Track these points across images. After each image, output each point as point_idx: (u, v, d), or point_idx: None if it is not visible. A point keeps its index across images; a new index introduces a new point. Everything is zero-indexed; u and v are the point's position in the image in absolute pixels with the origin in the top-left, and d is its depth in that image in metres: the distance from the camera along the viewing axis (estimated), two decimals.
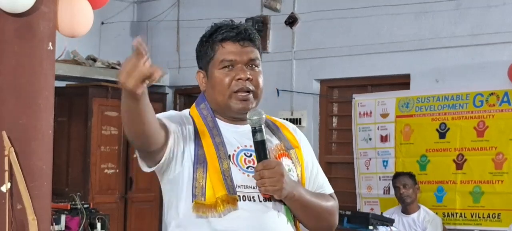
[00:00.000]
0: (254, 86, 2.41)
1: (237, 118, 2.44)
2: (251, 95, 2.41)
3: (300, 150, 2.50)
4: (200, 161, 2.33)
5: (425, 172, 6.82)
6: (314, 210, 2.43)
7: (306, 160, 2.50)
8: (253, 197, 2.34)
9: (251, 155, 2.38)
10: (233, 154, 2.38)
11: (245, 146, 2.41)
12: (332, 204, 2.50)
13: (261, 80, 2.43)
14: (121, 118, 2.18)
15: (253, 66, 2.43)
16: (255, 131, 2.34)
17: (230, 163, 2.35)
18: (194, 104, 2.51)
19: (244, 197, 2.32)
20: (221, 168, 2.32)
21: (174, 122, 2.36)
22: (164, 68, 8.90)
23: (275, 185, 2.30)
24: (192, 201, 2.31)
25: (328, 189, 2.55)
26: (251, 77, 2.40)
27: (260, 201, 2.34)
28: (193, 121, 2.42)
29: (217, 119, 2.43)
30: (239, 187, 2.33)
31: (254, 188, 2.33)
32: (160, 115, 2.38)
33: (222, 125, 2.43)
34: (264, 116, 2.36)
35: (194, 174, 2.32)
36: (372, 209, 7.01)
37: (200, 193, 2.30)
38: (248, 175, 2.35)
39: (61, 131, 7.87)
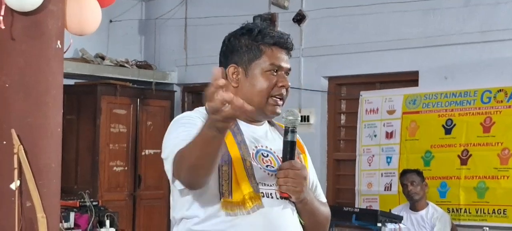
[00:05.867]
0: (286, 94, 2.50)
1: (254, 120, 2.49)
2: (282, 101, 2.50)
3: (305, 156, 2.60)
4: (224, 159, 2.35)
5: (429, 168, 6.79)
6: (318, 216, 2.53)
7: (309, 166, 2.59)
8: (271, 193, 2.40)
9: (267, 155, 2.45)
10: (253, 153, 2.42)
11: (262, 146, 2.47)
12: (328, 211, 2.61)
13: None
14: (187, 156, 2.18)
15: (287, 75, 2.51)
16: (287, 131, 2.40)
17: (252, 160, 2.40)
18: None
19: (264, 194, 2.38)
20: (245, 166, 2.37)
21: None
22: (171, 66, 8.95)
23: (297, 186, 2.36)
24: (220, 199, 2.34)
25: (323, 198, 2.64)
26: (289, 85, 2.50)
27: (278, 198, 2.40)
28: None
29: None
30: (260, 184, 2.38)
31: (271, 185, 2.39)
32: (185, 120, 2.39)
33: (241, 124, 2.46)
34: (299, 118, 2.43)
35: (220, 172, 2.35)
36: (370, 206, 7.01)
37: (227, 191, 2.34)
38: (268, 173, 2.41)
39: (70, 129, 7.90)
